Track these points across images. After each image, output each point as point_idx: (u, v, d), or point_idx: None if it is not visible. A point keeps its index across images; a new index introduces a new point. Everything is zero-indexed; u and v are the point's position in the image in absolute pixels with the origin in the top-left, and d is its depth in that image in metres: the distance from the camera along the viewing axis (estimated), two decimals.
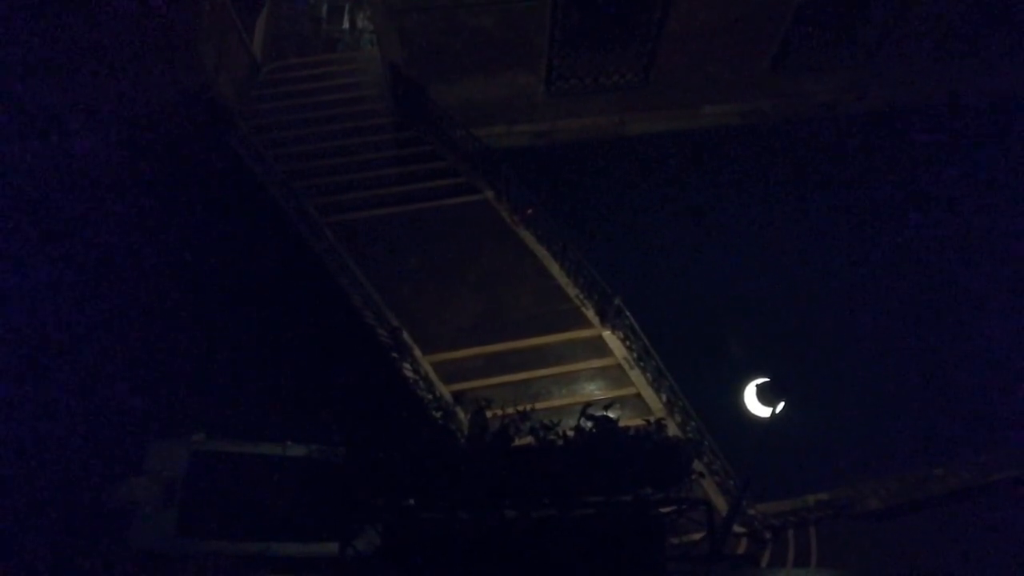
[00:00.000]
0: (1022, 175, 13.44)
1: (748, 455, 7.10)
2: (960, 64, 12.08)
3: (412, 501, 5.72)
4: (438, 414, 8.79)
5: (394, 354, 9.49)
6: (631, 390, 9.74)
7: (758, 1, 10.28)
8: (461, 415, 9.08)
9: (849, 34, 11.16)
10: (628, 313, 9.45)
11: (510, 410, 5.84)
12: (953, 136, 13.13)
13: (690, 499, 5.95)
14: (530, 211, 10.66)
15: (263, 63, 12.79)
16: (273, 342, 10.83)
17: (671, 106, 11.93)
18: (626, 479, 5.61)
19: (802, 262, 12.45)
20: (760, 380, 6.83)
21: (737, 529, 9.52)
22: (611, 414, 5.93)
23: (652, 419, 6.58)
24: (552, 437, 5.66)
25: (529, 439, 5.75)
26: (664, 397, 9.60)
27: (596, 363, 9.92)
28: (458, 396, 9.31)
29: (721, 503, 9.20)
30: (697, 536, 7.07)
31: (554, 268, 10.49)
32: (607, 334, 10.01)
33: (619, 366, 9.87)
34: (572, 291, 10.29)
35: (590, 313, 10.13)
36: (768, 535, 9.72)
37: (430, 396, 9.28)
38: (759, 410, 6.81)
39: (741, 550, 9.53)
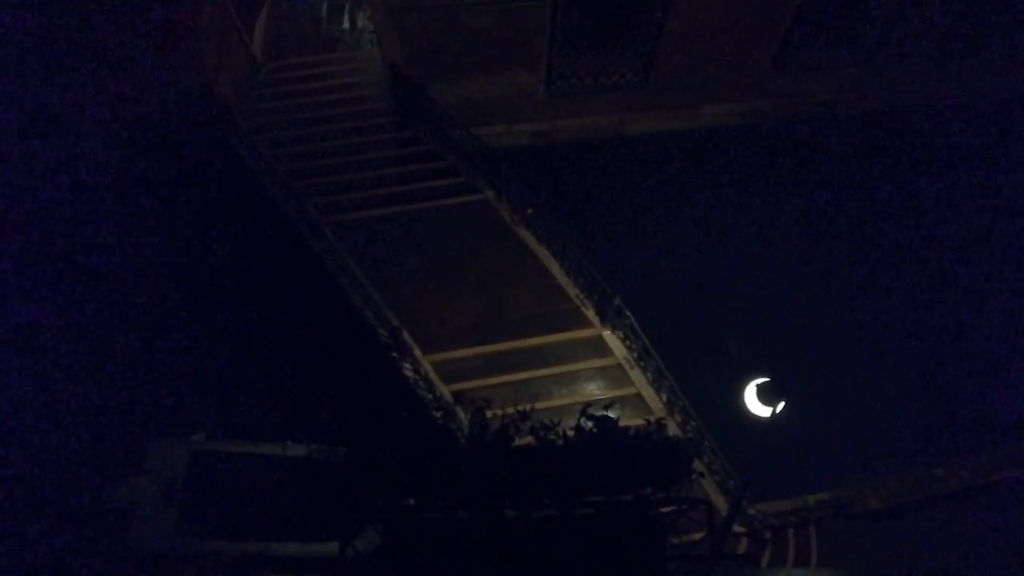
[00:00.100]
0: (1022, 175, 13.44)
1: (748, 455, 7.10)
2: (960, 64, 12.07)
3: (412, 501, 5.72)
4: (438, 414, 8.81)
5: (394, 354, 9.49)
6: (631, 390, 9.74)
7: (758, 1, 10.28)
8: (461, 415, 9.08)
9: (849, 34, 11.16)
10: (628, 313, 9.45)
11: (510, 410, 5.83)
12: (953, 136, 13.12)
13: (690, 499, 5.94)
14: (530, 211, 10.66)
15: (263, 63, 12.78)
16: (273, 342, 10.83)
17: (671, 106, 11.93)
18: (626, 479, 5.61)
19: (802, 262, 12.46)
20: (760, 380, 6.83)
21: (737, 529, 9.52)
22: (611, 414, 5.92)
23: (652, 419, 6.58)
24: (552, 437, 5.65)
25: (529, 439, 5.74)
26: (664, 397, 9.60)
27: (596, 363, 9.92)
28: (458, 396, 9.31)
29: (721, 503, 9.20)
30: (697, 536, 7.06)
31: (554, 268, 10.49)
32: (607, 334, 10.01)
33: (619, 366, 9.87)
34: (572, 291, 10.29)
35: (590, 313, 10.13)
36: (768, 535, 9.72)
37: (430, 396, 9.28)
38: (759, 410, 6.81)
39: (741, 550, 9.54)
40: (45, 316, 10.71)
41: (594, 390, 9.73)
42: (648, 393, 9.70)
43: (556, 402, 9.48)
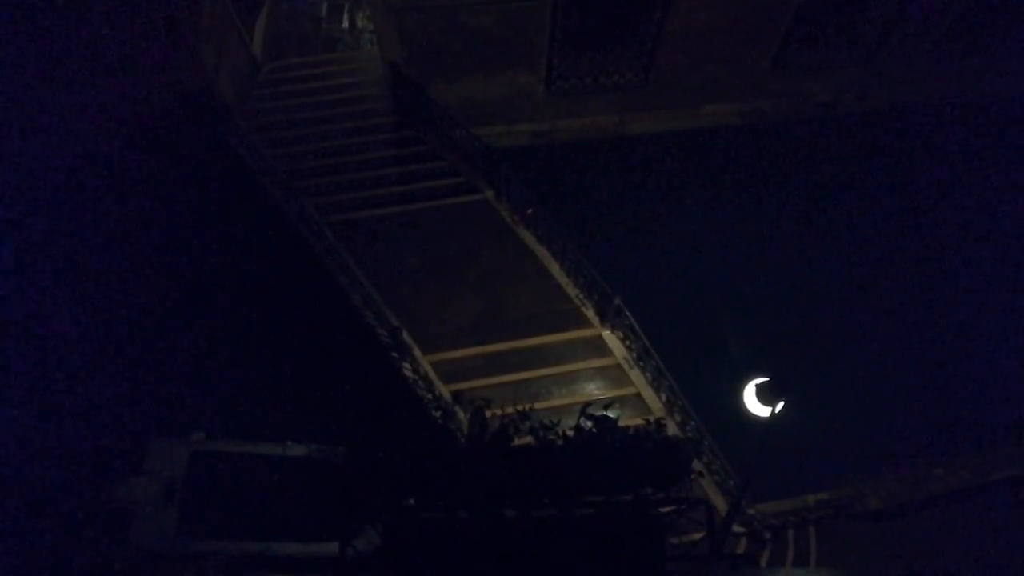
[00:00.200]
0: (1022, 175, 13.44)
1: (748, 455, 7.10)
2: (960, 64, 12.07)
3: (412, 501, 5.72)
4: (438, 414, 8.82)
5: (394, 354, 9.49)
6: (631, 390, 9.74)
7: (758, 1, 10.27)
8: (461, 415, 9.09)
9: (849, 34, 11.15)
10: (628, 313, 9.45)
11: (510, 410, 5.83)
12: (953, 136, 13.12)
13: (690, 499, 5.94)
14: (530, 211, 10.66)
15: (263, 63, 12.79)
16: (273, 342, 10.83)
17: (671, 106, 11.93)
18: (626, 479, 5.61)
19: (802, 262, 12.46)
20: (760, 379, 6.83)
21: (737, 529, 9.53)
22: (611, 414, 5.92)
23: (652, 419, 6.58)
24: (552, 437, 5.66)
25: (529, 439, 5.75)
26: (664, 397, 9.60)
27: (596, 363, 9.92)
28: (458, 396, 9.31)
29: (721, 503, 9.21)
30: (697, 536, 7.07)
31: (554, 268, 10.50)
32: (607, 334, 10.01)
33: (619, 366, 9.87)
34: (572, 291, 10.29)
35: (590, 313, 10.13)
36: (768, 535, 9.72)
37: (430, 396, 9.28)
38: (759, 410, 6.81)
39: (741, 550, 9.54)
40: (45, 316, 10.71)
41: (594, 390, 9.73)
42: (648, 393, 9.70)
43: (556, 402, 9.48)
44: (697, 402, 9.47)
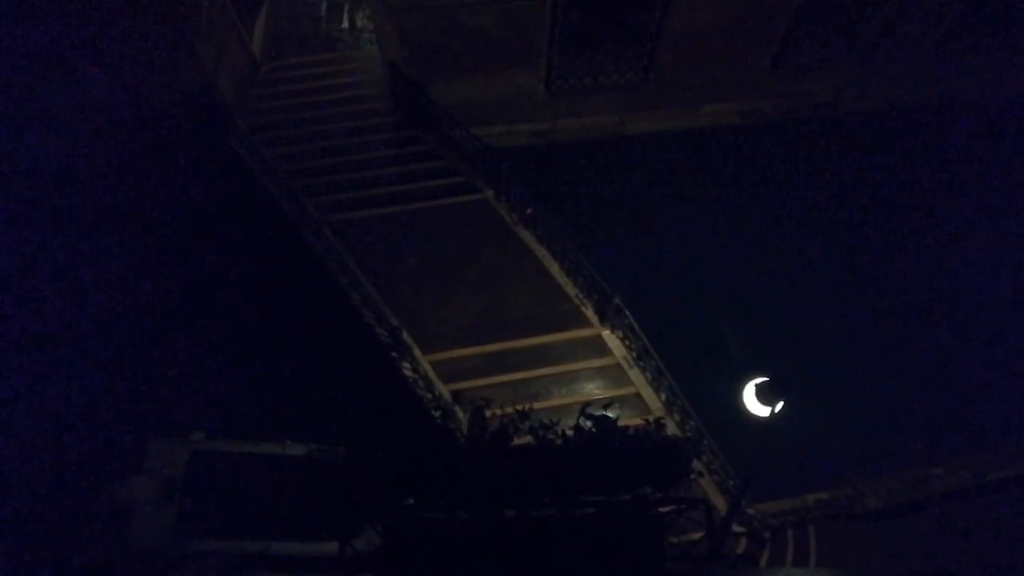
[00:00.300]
0: (1023, 174, 13.44)
1: (747, 454, 7.10)
2: (961, 63, 12.07)
3: (412, 501, 5.72)
4: (437, 413, 8.82)
5: (393, 353, 9.49)
6: (630, 389, 9.74)
7: (758, 1, 10.27)
8: (460, 414, 9.09)
9: (849, 33, 11.15)
10: (627, 312, 9.46)
11: (509, 409, 5.84)
12: (954, 135, 13.12)
13: (689, 498, 5.95)
14: (530, 210, 10.66)
15: (263, 62, 12.79)
16: (273, 341, 10.83)
17: (671, 105, 11.93)
18: (625, 478, 5.61)
19: (802, 262, 12.45)
20: (759, 379, 6.83)
21: (736, 529, 9.53)
22: (610, 413, 5.93)
23: (651, 418, 6.59)
24: (551, 436, 5.66)
25: (528, 438, 5.75)
26: (663, 396, 9.60)
27: (595, 362, 9.92)
28: (457, 395, 9.31)
29: (720, 502, 9.21)
30: (696, 536, 7.07)
31: (554, 267, 10.50)
32: (606, 333, 10.01)
33: (618, 365, 9.87)
34: (572, 290, 10.29)
35: (589, 312, 10.13)
36: (767, 535, 9.72)
37: (429, 395, 9.28)
38: (758, 409, 6.81)
39: (740, 550, 9.54)
40: (44, 316, 10.70)
41: (593, 389, 9.73)
42: (647, 393, 9.70)
43: (555, 402, 9.48)
44: (697, 402, 9.46)
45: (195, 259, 11.22)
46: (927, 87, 12.48)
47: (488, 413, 6.75)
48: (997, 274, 12.76)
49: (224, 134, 10.88)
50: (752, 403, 6.84)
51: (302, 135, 11.66)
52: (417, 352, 9.67)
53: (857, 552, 9.86)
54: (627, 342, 9.84)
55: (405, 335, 9.55)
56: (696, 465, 8.19)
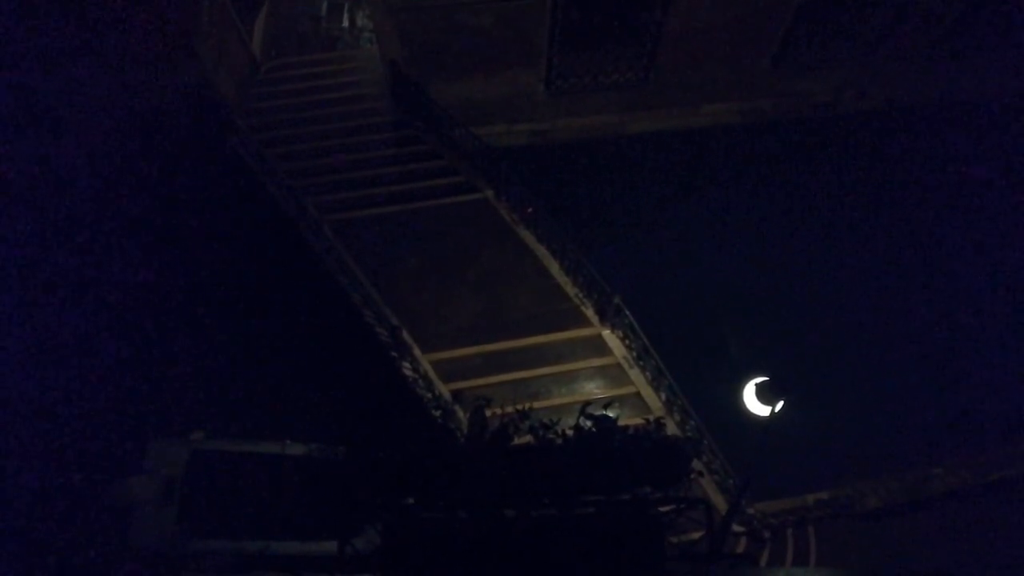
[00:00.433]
0: (1023, 175, 13.44)
1: (747, 454, 7.10)
2: (961, 63, 12.07)
3: (412, 500, 5.72)
4: (437, 413, 8.82)
5: (393, 353, 9.49)
6: (630, 389, 9.74)
7: (758, 1, 10.26)
8: (460, 414, 9.09)
9: (849, 33, 11.15)
10: (627, 312, 9.45)
11: (509, 409, 5.83)
12: (954, 135, 13.12)
13: (689, 498, 5.94)
14: (530, 210, 10.66)
15: (262, 61, 12.78)
16: (273, 341, 10.82)
17: (671, 105, 11.92)
18: (625, 478, 5.61)
19: (802, 261, 12.45)
20: (759, 379, 6.84)
21: (736, 528, 9.53)
22: (610, 413, 5.92)
23: (651, 418, 6.59)
24: (551, 436, 5.65)
25: (528, 438, 5.74)
26: (663, 396, 9.60)
27: (595, 362, 9.92)
28: (457, 395, 9.32)
29: (720, 502, 9.21)
30: (696, 535, 7.08)
31: (553, 267, 10.49)
32: (606, 333, 10.01)
33: (618, 365, 9.87)
34: (571, 290, 10.29)
35: (589, 312, 10.13)
36: (767, 534, 9.73)
37: (429, 395, 9.28)
38: (758, 409, 6.82)
39: (740, 549, 9.54)
40: (43, 316, 10.70)
41: (593, 389, 9.73)
42: (647, 392, 9.70)
43: (555, 401, 9.49)
44: (697, 401, 9.47)
45: (195, 259, 11.22)
46: (927, 87, 12.47)
47: (488, 412, 6.76)
48: (997, 274, 12.76)
49: (224, 134, 10.87)
50: (752, 403, 6.85)
51: (302, 134, 11.65)
52: (417, 352, 9.67)
53: (857, 552, 9.87)
54: (627, 342, 9.84)
55: (405, 335, 9.55)
56: (696, 465, 8.20)
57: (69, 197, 10.99)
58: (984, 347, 12.06)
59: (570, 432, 5.72)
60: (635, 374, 9.77)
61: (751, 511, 9.71)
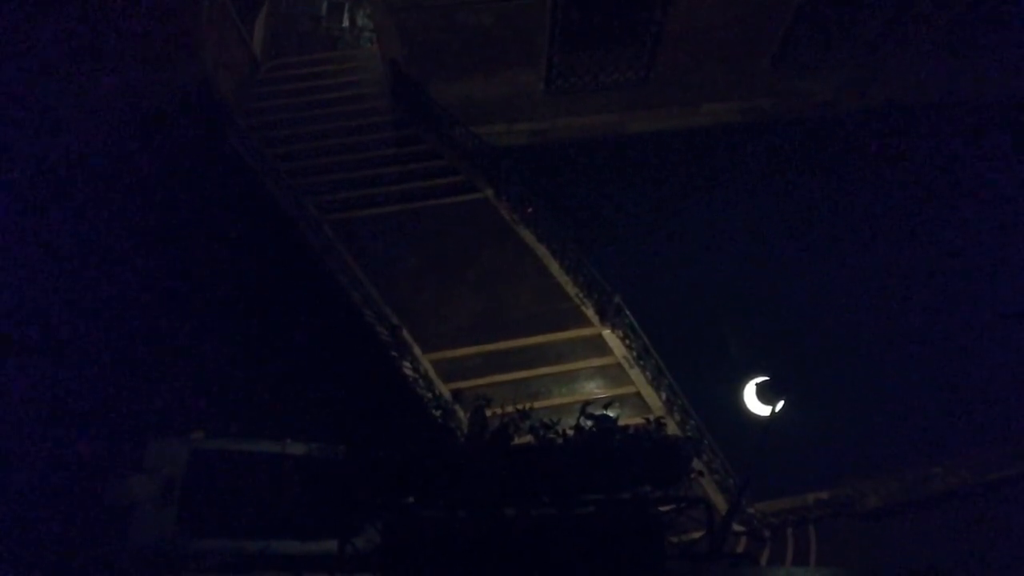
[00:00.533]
0: (1022, 174, 13.43)
1: (747, 454, 7.10)
2: (961, 63, 12.06)
3: (412, 499, 5.72)
4: (438, 412, 8.82)
5: (393, 352, 9.49)
6: (631, 389, 9.74)
7: (758, 1, 10.26)
8: (460, 413, 9.09)
9: (850, 32, 11.14)
10: (628, 312, 9.45)
11: (510, 408, 5.83)
12: (954, 135, 13.11)
13: (689, 497, 5.94)
14: (530, 209, 10.66)
15: (263, 61, 12.78)
16: (273, 340, 10.82)
17: (671, 104, 11.92)
18: (625, 477, 5.60)
19: (802, 261, 12.45)
20: (760, 379, 6.84)
21: (736, 528, 9.54)
22: (611, 413, 5.92)
23: (652, 418, 6.58)
24: (552, 436, 5.65)
25: (529, 438, 5.74)
26: (664, 396, 9.60)
27: (596, 362, 9.92)
28: (457, 394, 9.31)
29: (720, 501, 9.21)
30: (696, 535, 7.06)
31: (554, 266, 10.49)
32: (607, 333, 10.01)
33: (619, 365, 9.87)
34: (572, 289, 10.29)
35: (590, 312, 10.12)
36: (767, 534, 9.73)
37: (429, 394, 9.28)
38: (759, 409, 6.82)
39: (740, 548, 9.55)
40: (43, 316, 10.69)
41: (594, 389, 9.73)
42: (647, 392, 9.70)
43: (555, 401, 9.49)
44: (697, 401, 9.47)
45: (195, 258, 11.21)
46: (927, 87, 12.47)
47: (488, 412, 6.76)
48: (997, 274, 12.76)
49: (224, 133, 10.86)
50: (752, 402, 6.85)
51: (302, 134, 11.65)
52: (417, 351, 9.67)
53: (857, 551, 9.87)
54: (627, 341, 9.84)
55: (405, 334, 9.55)
56: (696, 464, 8.21)
57: (68, 197, 10.98)
58: (984, 347, 12.06)
59: (570, 432, 5.71)
60: (635, 374, 9.77)
61: (751, 510, 9.71)
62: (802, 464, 10.07)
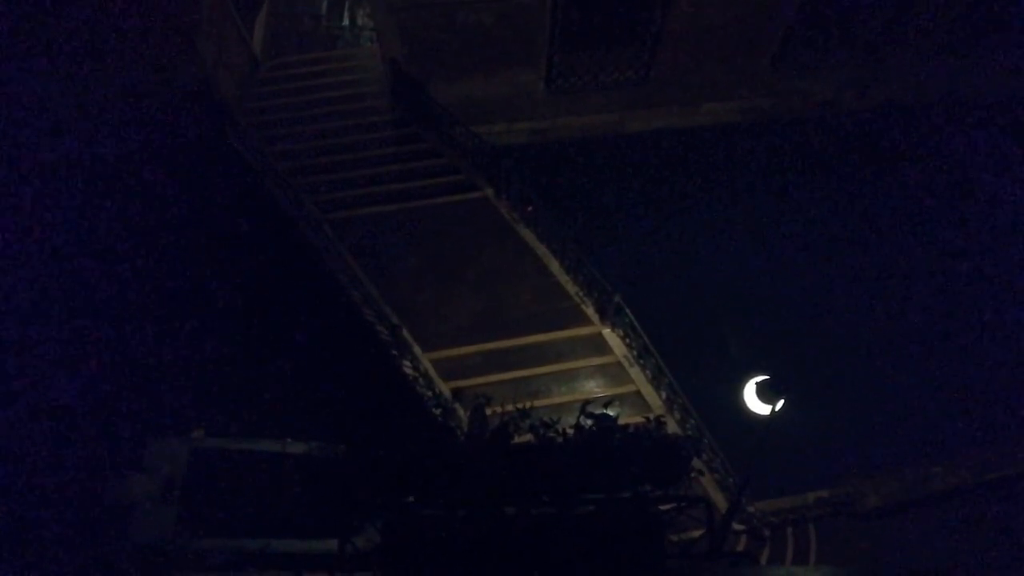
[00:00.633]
0: (1022, 174, 13.43)
1: (747, 453, 7.10)
2: (961, 62, 12.06)
3: (412, 499, 5.72)
4: (438, 411, 8.82)
5: (394, 352, 9.49)
6: (631, 388, 9.74)
7: (758, 1, 10.26)
8: (461, 412, 9.09)
9: (850, 32, 11.15)
10: (628, 311, 9.45)
11: (510, 407, 5.83)
12: (955, 134, 13.11)
13: (689, 497, 5.94)
14: (530, 209, 10.66)
15: (263, 60, 12.78)
16: (273, 340, 10.82)
17: (671, 104, 11.92)
18: (625, 477, 5.60)
19: (802, 261, 12.45)
20: (760, 378, 6.84)
21: (736, 527, 9.54)
22: (610, 412, 5.92)
23: (651, 417, 6.58)
24: (552, 435, 5.64)
25: (529, 437, 5.74)
26: (664, 395, 9.60)
27: (596, 361, 9.92)
28: (458, 393, 9.31)
29: (720, 500, 9.21)
30: (696, 534, 7.06)
31: (554, 266, 10.49)
32: (607, 332, 10.01)
33: (619, 364, 9.87)
34: (572, 289, 10.29)
35: (590, 311, 10.12)
36: (767, 533, 9.73)
37: (430, 393, 9.28)
38: (759, 408, 6.82)
39: (740, 548, 9.55)
40: (43, 315, 10.70)
41: (593, 388, 9.73)
42: (647, 391, 9.70)
43: (556, 400, 9.49)
44: (697, 400, 9.47)
45: (195, 257, 11.21)
46: (927, 87, 12.47)
47: (488, 411, 6.76)
48: (997, 273, 12.76)
49: (224, 133, 10.86)
50: (753, 401, 6.85)
51: (302, 133, 11.65)
52: (417, 350, 9.67)
53: (857, 551, 9.87)
54: (627, 340, 9.84)
55: (405, 333, 9.55)
56: (696, 463, 8.21)
57: (68, 197, 10.99)
58: (984, 347, 12.06)
59: (570, 431, 5.71)
60: (635, 373, 9.77)
61: (751, 509, 9.71)
62: (802, 463, 10.08)
